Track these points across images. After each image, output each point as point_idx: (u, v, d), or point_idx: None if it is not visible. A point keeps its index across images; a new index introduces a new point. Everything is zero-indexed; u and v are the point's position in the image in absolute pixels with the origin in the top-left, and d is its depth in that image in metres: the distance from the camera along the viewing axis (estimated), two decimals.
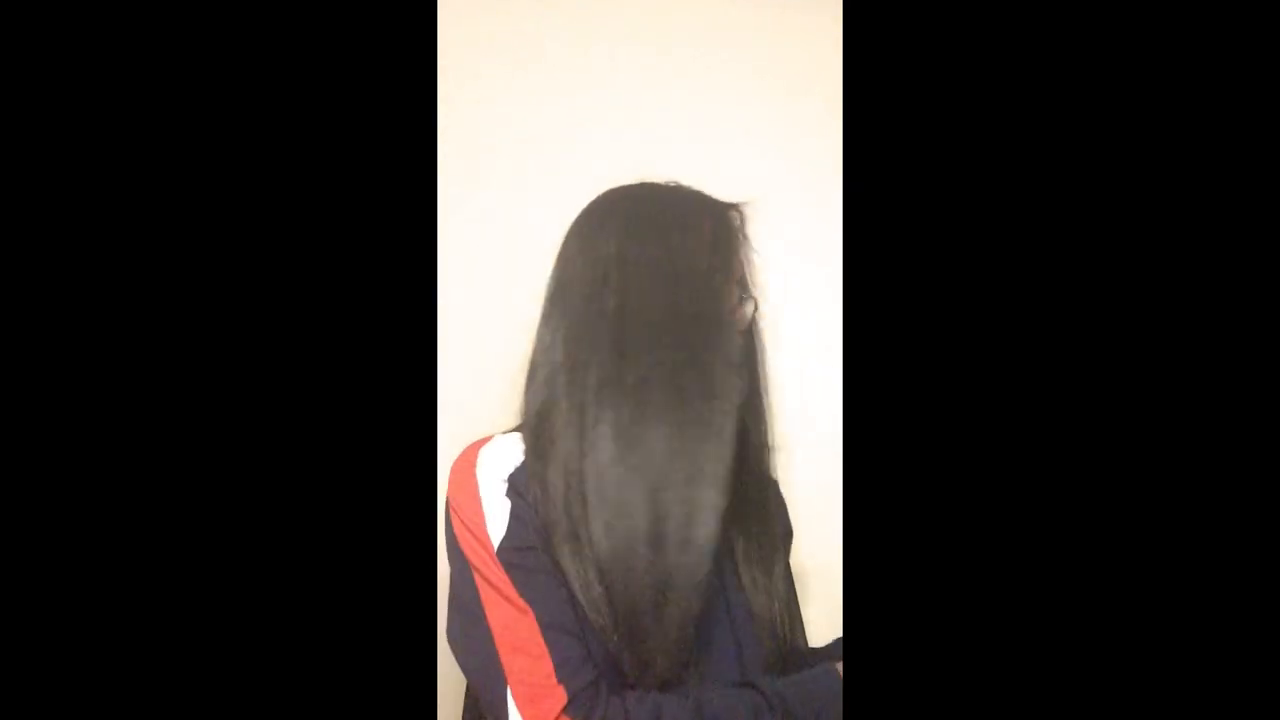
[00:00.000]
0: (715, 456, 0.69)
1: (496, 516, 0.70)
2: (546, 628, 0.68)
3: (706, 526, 0.68)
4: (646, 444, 0.68)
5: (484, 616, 0.69)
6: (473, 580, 0.70)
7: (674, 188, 0.80)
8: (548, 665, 0.67)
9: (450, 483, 0.74)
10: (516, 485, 0.71)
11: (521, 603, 0.68)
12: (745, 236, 0.79)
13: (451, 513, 0.73)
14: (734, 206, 0.80)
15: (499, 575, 0.69)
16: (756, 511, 0.80)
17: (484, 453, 0.74)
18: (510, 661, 0.67)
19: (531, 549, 0.69)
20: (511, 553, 0.69)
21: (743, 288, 0.78)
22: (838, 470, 0.99)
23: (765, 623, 0.77)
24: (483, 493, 0.72)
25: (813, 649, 0.87)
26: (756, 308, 0.79)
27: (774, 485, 0.88)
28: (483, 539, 0.70)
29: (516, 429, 0.76)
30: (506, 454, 0.73)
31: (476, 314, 1.13)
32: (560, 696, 0.66)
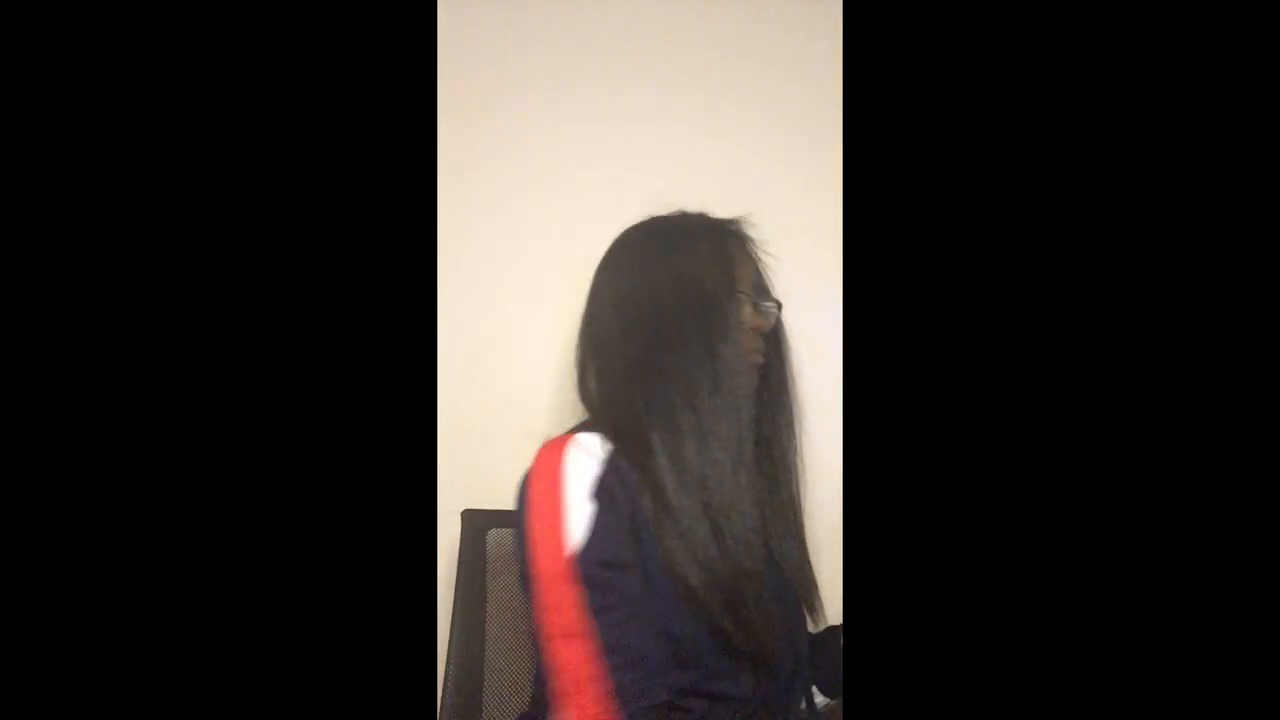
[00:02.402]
0: (733, 445, 0.75)
1: (579, 523, 0.70)
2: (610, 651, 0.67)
3: (745, 510, 0.74)
4: (686, 443, 0.74)
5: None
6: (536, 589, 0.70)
7: (677, 215, 0.86)
8: (598, 690, 0.66)
9: (531, 487, 0.74)
10: (608, 486, 0.72)
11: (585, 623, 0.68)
12: (744, 245, 0.85)
13: (531, 517, 0.73)
14: (732, 221, 0.86)
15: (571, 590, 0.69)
16: (780, 491, 0.85)
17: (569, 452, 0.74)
18: (561, 685, 0.67)
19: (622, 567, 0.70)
20: (595, 567, 0.69)
21: (760, 292, 0.84)
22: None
23: (801, 589, 0.83)
24: (567, 496, 0.72)
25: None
26: (780, 308, 0.86)
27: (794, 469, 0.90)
28: (557, 547, 0.70)
29: (583, 427, 0.80)
30: (591, 454, 0.75)
31: (475, 319, 1.14)
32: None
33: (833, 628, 0.92)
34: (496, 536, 1.01)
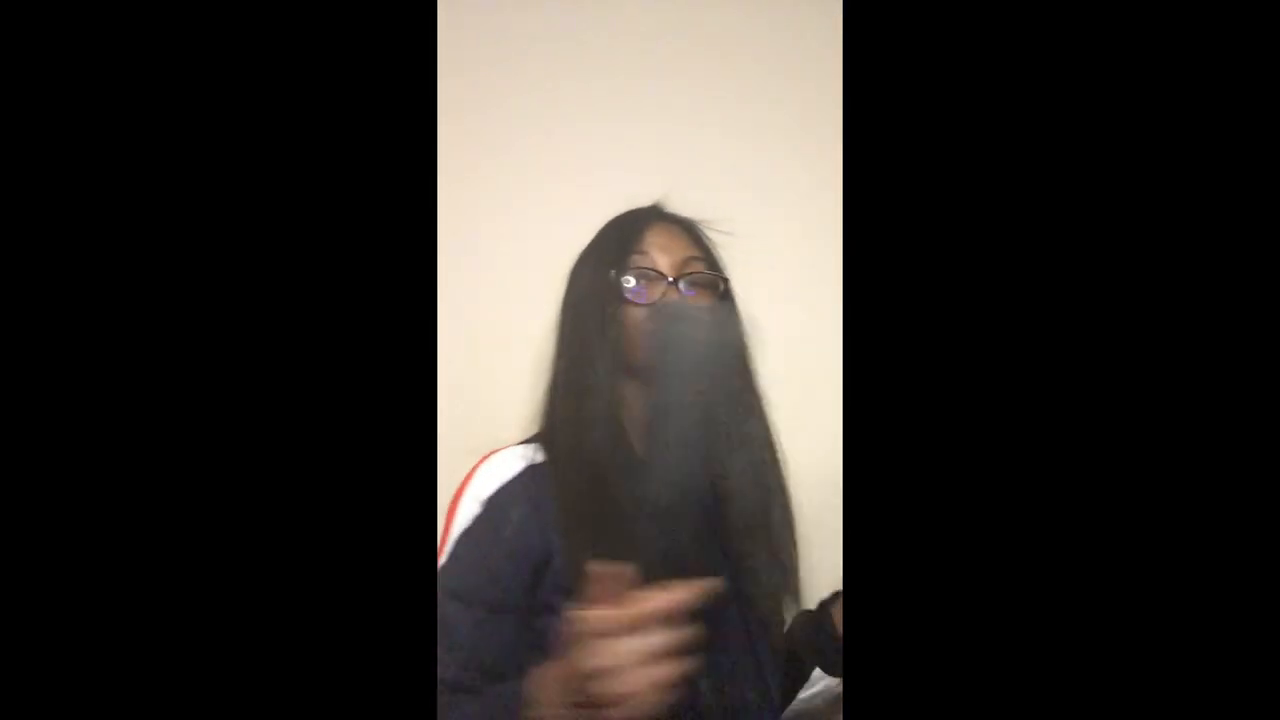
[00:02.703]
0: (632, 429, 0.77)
1: (449, 546, 0.77)
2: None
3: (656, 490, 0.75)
4: (582, 432, 0.78)
5: None
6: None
7: (621, 214, 0.89)
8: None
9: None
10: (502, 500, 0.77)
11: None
12: (675, 225, 0.87)
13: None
14: (651, 206, 0.89)
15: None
16: (739, 475, 0.85)
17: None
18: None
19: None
20: (441, 591, 0.74)
21: (711, 267, 0.86)
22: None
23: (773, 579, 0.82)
24: (456, 517, 0.78)
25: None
26: (726, 284, 0.87)
27: (763, 441, 0.88)
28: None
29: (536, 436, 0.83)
30: (503, 465, 0.79)
31: (475, 319, 1.14)
32: None
33: (825, 600, 0.89)
34: None
